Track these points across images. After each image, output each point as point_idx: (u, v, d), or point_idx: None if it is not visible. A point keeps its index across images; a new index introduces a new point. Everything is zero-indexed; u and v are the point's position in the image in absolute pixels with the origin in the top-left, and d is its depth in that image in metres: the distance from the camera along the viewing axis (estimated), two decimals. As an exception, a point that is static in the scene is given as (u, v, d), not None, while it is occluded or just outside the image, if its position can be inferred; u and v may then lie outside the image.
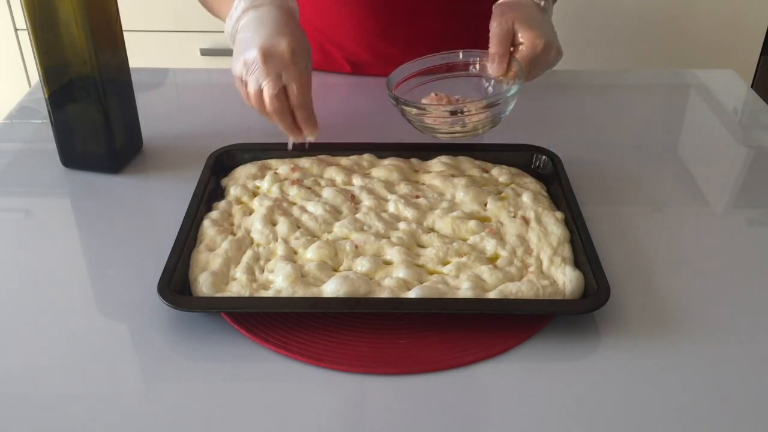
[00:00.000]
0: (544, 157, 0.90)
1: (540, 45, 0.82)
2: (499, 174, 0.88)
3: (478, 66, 0.89)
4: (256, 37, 0.76)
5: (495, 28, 0.83)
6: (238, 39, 0.79)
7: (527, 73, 0.83)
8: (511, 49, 0.84)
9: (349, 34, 1.13)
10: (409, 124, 0.85)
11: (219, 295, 0.70)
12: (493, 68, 0.84)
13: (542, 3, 0.88)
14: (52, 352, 0.66)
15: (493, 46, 0.83)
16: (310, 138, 0.80)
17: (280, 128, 0.80)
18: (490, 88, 0.88)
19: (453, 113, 0.80)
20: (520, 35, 0.83)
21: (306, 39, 0.80)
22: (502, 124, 1.07)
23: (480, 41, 1.18)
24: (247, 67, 0.76)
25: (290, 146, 0.84)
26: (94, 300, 0.73)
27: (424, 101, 0.86)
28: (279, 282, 0.71)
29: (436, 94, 0.86)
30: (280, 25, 0.77)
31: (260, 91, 0.76)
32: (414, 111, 0.82)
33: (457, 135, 0.83)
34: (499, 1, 0.88)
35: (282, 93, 0.76)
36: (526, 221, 0.79)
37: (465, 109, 0.80)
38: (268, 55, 0.75)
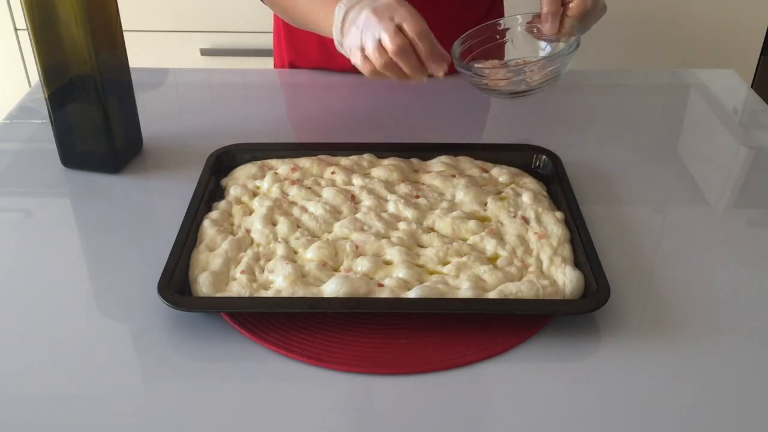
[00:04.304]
0: (544, 157, 0.90)
1: (589, 0, 0.85)
2: (499, 174, 0.88)
3: (534, 29, 0.90)
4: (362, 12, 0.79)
5: None
6: (347, 30, 0.81)
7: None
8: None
9: None
10: (478, 89, 0.86)
11: (219, 295, 0.70)
12: (546, 27, 0.86)
13: None
14: (52, 352, 0.66)
15: (546, 6, 0.85)
16: (439, 72, 0.79)
17: (408, 72, 0.78)
18: (547, 48, 0.89)
19: (516, 74, 0.83)
20: None
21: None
22: (502, 123, 1.07)
23: None
24: (361, 29, 0.78)
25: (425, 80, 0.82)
26: (94, 300, 0.73)
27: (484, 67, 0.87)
28: (279, 282, 0.71)
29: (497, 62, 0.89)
30: None
31: (380, 42, 0.77)
32: (481, 75, 0.84)
33: (521, 94, 0.86)
34: None
35: (399, 31, 0.77)
36: (526, 221, 0.79)
37: (527, 69, 0.83)
38: (375, 11, 0.77)
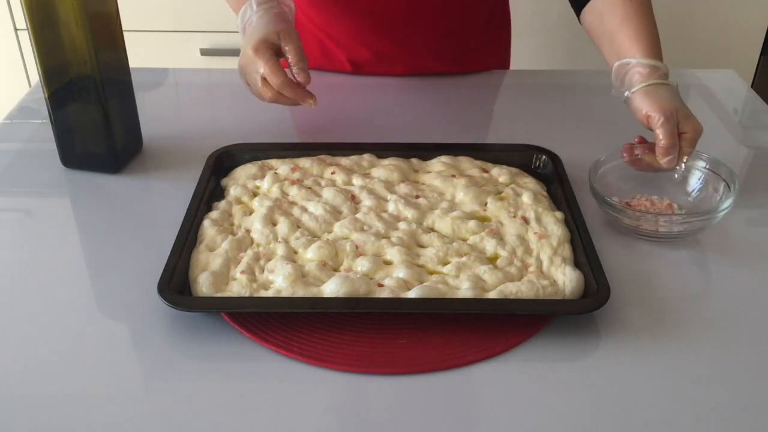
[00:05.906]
0: (544, 157, 0.90)
1: (701, 130, 0.83)
2: (499, 174, 0.87)
3: (633, 155, 0.86)
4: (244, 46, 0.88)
5: (664, 123, 0.82)
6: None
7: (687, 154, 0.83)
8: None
9: (348, 31, 1.13)
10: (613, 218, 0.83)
11: (219, 295, 0.70)
12: (665, 161, 0.82)
13: (675, 83, 0.88)
14: (52, 352, 0.66)
15: (665, 139, 0.82)
16: (310, 102, 0.86)
17: (293, 98, 0.85)
18: (694, 191, 0.86)
19: (663, 220, 0.80)
20: (681, 124, 0.83)
21: (286, 27, 0.88)
22: (502, 123, 1.06)
23: (477, 42, 1.18)
24: (242, 71, 0.88)
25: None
26: (94, 300, 0.73)
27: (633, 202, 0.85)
28: (279, 282, 0.71)
29: (647, 199, 0.85)
30: (258, 29, 0.87)
31: (264, 79, 0.85)
32: (621, 214, 0.81)
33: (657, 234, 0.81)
34: (638, 88, 0.86)
35: (265, 82, 0.85)
36: (526, 221, 0.79)
37: (662, 221, 0.80)
38: (244, 66, 0.87)
